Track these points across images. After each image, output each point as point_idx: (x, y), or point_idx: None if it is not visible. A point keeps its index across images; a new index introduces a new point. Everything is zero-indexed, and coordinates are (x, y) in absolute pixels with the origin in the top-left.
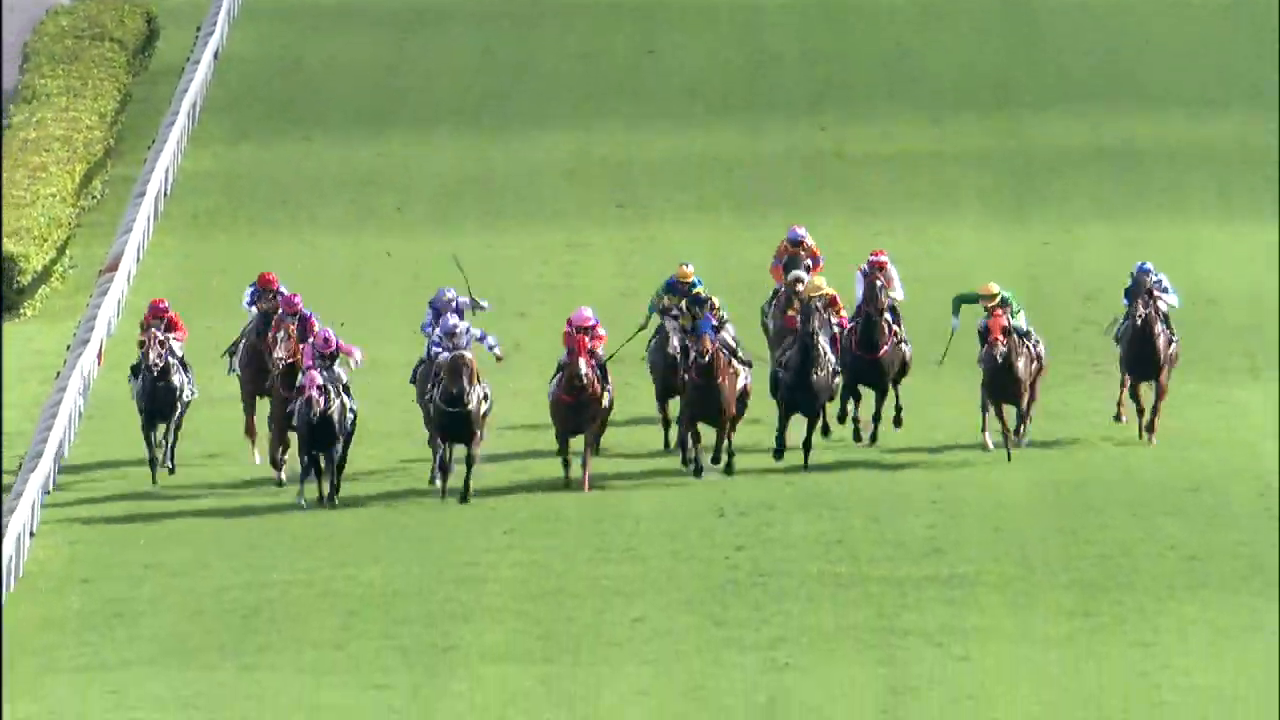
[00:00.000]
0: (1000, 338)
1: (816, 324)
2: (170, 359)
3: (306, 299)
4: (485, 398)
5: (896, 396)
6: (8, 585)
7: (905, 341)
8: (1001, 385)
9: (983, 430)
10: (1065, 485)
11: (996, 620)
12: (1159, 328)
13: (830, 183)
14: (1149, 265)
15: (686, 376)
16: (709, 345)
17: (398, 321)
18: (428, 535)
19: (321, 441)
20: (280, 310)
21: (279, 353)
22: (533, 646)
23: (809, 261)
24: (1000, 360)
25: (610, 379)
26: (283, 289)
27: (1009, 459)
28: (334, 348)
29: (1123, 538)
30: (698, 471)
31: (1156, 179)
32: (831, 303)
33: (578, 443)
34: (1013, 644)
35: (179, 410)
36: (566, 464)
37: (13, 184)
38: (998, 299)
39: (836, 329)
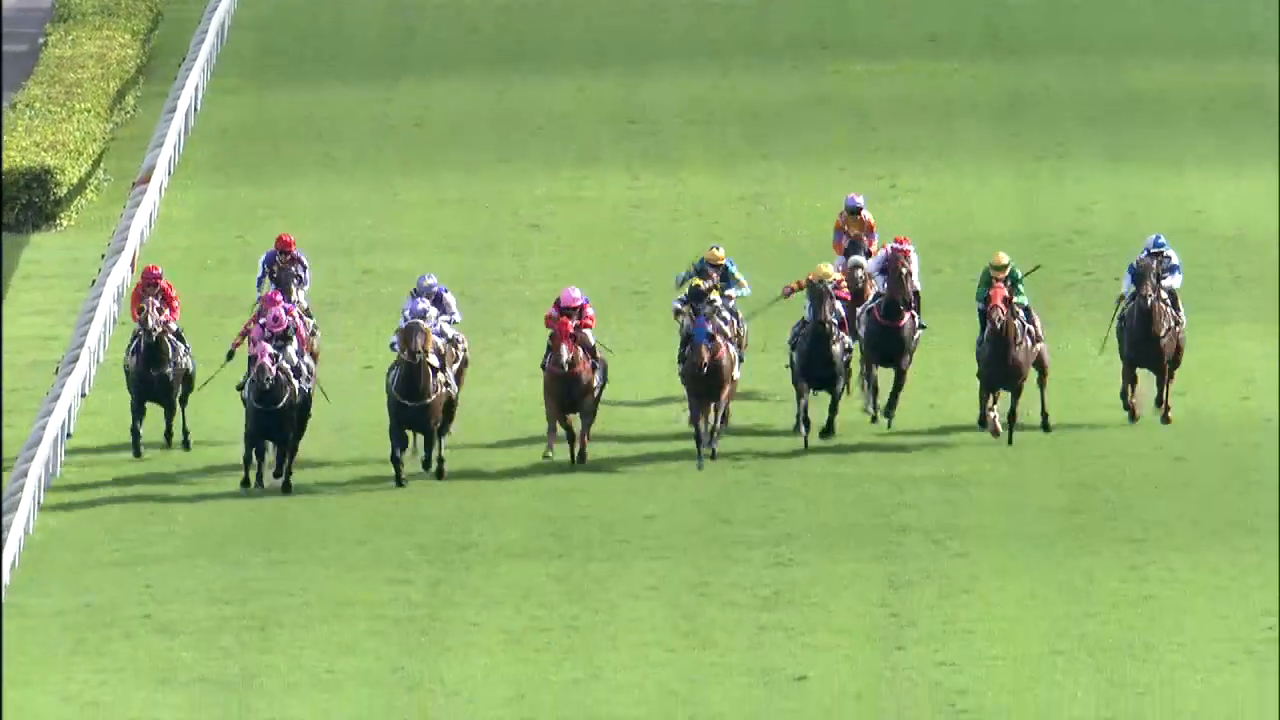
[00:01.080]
0: (1000, 305)
1: (827, 310)
2: (168, 335)
3: (327, 212)
4: (447, 384)
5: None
6: (40, 499)
7: (923, 325)
8: (999, 370)
9: (980, 422)
10: (1055, 385)
11: (991, 518)
12: (1163, 315)
13: (834, 103)
14: (1163, 239)
15: (683, 365)
16: (705, 356)
17: (418, 231)
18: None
19: (271, 427)
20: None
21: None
22: (547, 543)
23: (865, 240)
24: (998, 325)
25: (601, 356)
26: (284, 291)
27: (1010, 442)
28: (284, 326)
29: (1111, 439)
30: (700, 459)
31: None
32: (838, 286)
33: (575, 423)
34: (1006, 540)
35: (179, 390)
36: (552, 438)
37: (50, 100)
38: (1007, 270)
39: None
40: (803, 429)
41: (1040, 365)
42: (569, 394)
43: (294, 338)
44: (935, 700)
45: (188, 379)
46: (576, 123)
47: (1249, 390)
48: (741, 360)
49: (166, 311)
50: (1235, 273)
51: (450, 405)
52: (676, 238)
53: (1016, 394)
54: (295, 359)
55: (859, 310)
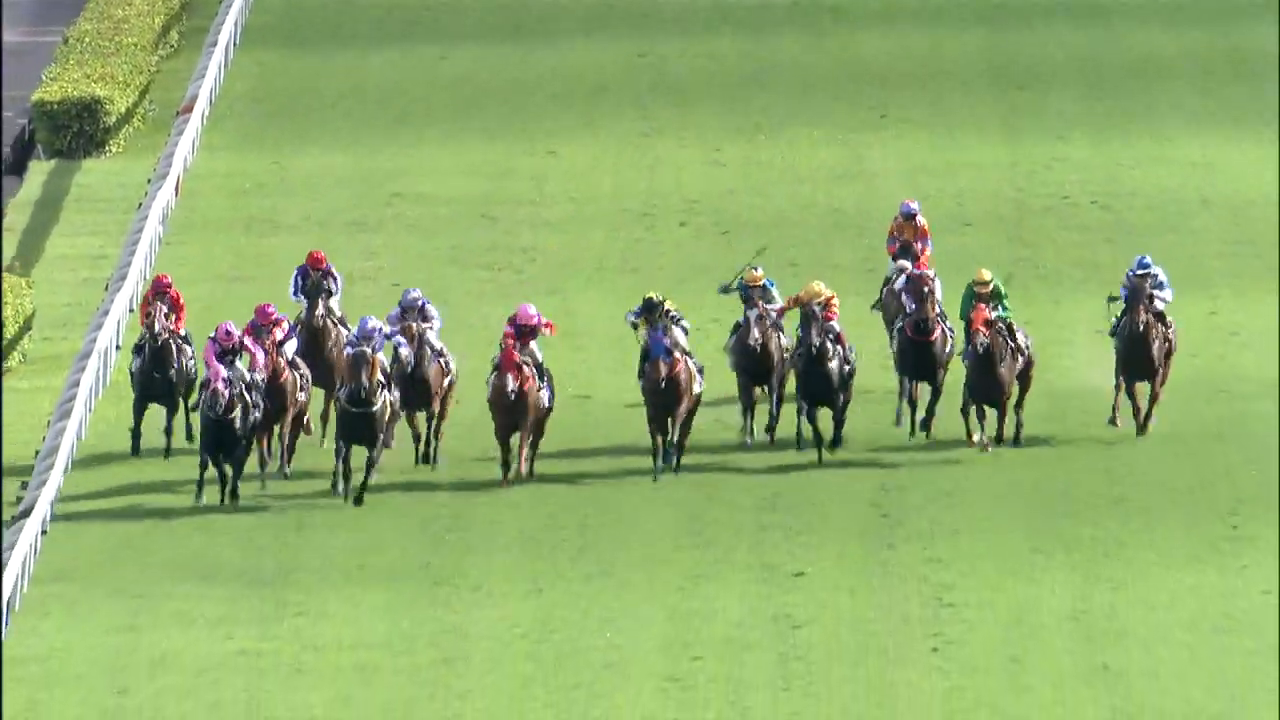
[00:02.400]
0: (983, 329)
1: (815, 334)
2: (173, 340)
3: (356, 141)
4: (390, 403)
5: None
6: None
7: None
8: (983, 384)
9: (969, 435)
10: (1036, 302)
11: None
12: (1155, 333)
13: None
14: (1148, 260)
15: (643, 380)
16: (663, 370)
17: (441, 158)
18: None
19: (224, 443)
20: (258, 322)
21: (258, 375)
22: (560, 464)
23: (918, 246)
24: (981, 351)
25: (550, 378)
26: (325, 283)
27: (1012, 441)
28: (234, 342)
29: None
30: (656, 473)
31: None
32: (828, 303)
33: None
34: (987, 472)
35: (182, 391)
36: (505, 464)
37: (99, 35)
38: (990, 286)
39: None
40: (803, 444)
41: (1025, 381)
42: (513, 416)
43: (244, 353)
44: (923, 594)
45: (190, 382)
46: (586, 59)
47: (1215, 305)
48: (701, 371)
49: (173, 318)
50: (1203, 194)
51: (394, 417)
52: (683, 163)
53: (1002, 411)
54: (247, 375)
55: (893, 328)
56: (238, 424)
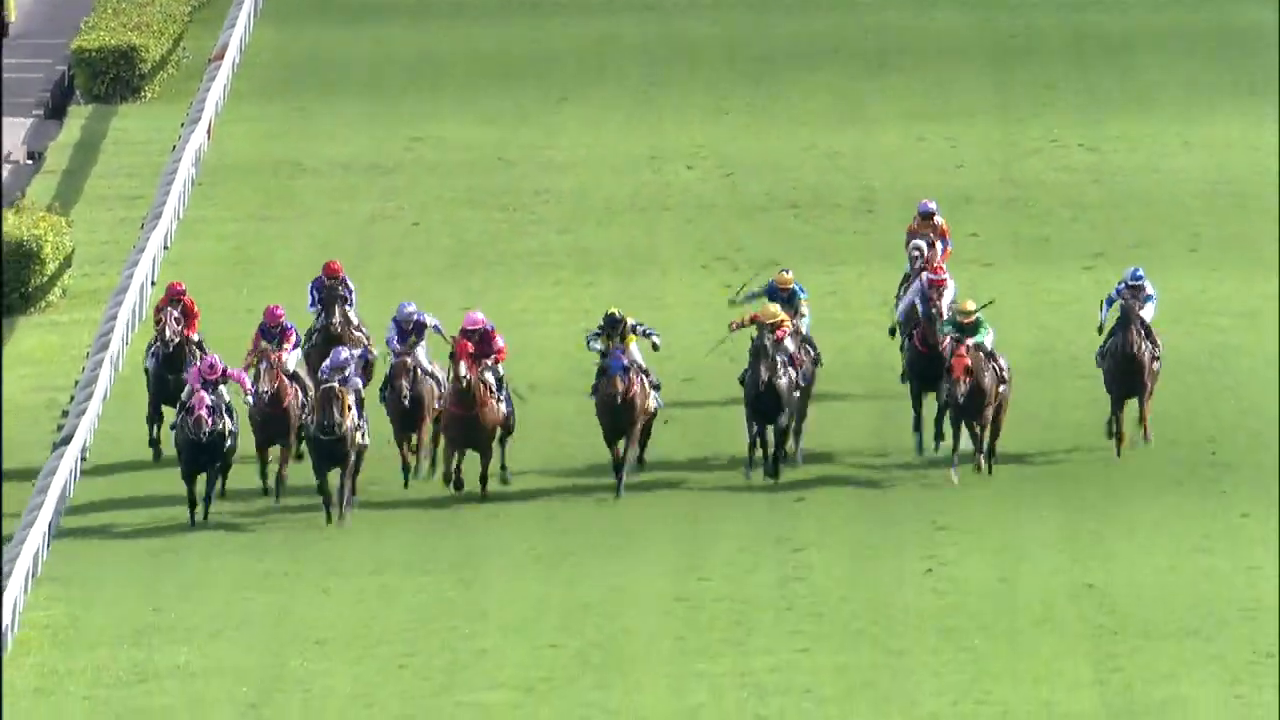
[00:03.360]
0: (964, 376)
1: (765, 371)
2: (187, 345)
3: (377, 88)
4: (359, 429)
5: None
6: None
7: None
8: (968, 409)
9: (953, 464)
10: (1024, 240)
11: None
12: (1144, 349)
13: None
14: (1140, 273)
15: (597, 397)
16: (619, 387)
17: (459, 104)
18: None
19: (203, 462)
20: (265, 326)
21: (264, 385)
22: (576, 381)
23: (939, 242)
24: (962, 400)
25: (506, 390)
26: (341, 290)
27: (988, 470)
28: (219, 374)
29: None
30: (619, 488)
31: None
32: (779, 326)
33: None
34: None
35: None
36: (459, 483)
37: None
38: (974, 317)
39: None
40: (748, 468)
41: (999, 411)
42: (470, 434)
43: (229, 380)
44: (918, 519)
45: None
46: (597, 18)
47: (1196, 242)
48: (657, 388)
49: (184, 322)
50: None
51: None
52: (688, 109)
53: (983, 428)
54: (227, 396)
55: (905, 340)
56: (218, 446)
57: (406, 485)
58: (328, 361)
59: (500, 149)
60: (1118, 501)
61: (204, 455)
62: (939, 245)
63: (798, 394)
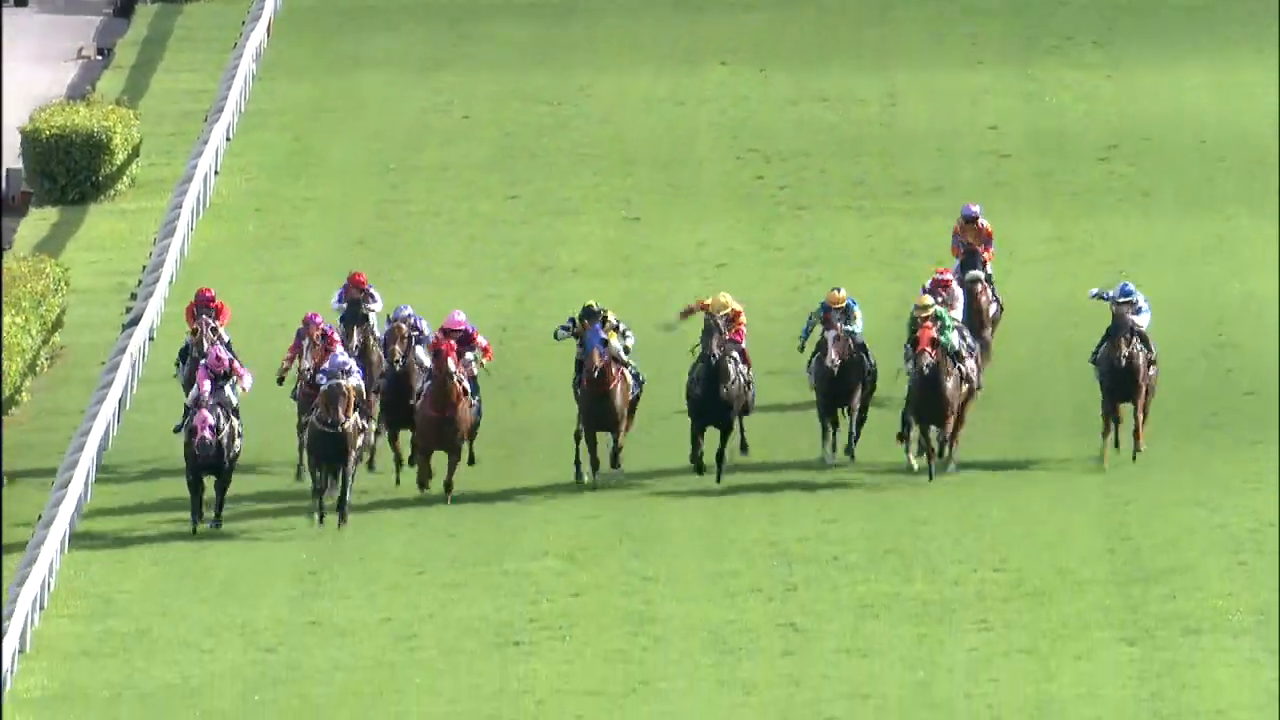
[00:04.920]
0: (928, 349)
1: (715, 345)
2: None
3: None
4: (361, 429)
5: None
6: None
7: (975, 358)
8: (927, 403)
9: (906, 451)
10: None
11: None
12: (1139, 359)
13: None
14: (1130, 287)
15: (579, 389)
16: (598, 360)
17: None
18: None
19: (209, 467)
20: (307, 327)
21: (305, 363)
22: (615, 265)
23: (981, 248)
24: (926, 372)
25: (479, 392)
26: (366, 299)
27: (930, 478)
28: (225, 366)
29: (1088, 175)
30: (592, 482)
31: None
32: (735, 318)
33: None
34: (1000, 259)
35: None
36: (424, 484)
37: None
38: (930, 311)
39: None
40: (698, 471)
41: (962, 410)
42: (444, 435)
43: (234, 375)
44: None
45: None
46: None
47: (1201, 133)
48: (639, 381)
49: (219, 329)
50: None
51: (362, 444)
52: (721, 7)
53: (943, 428)
54: (234, 399)
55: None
56: (224, 449)
57: (399, 482)
58: (327, 364)
59: (545, 45)
60: None
61: (207, 460)
62: (983, 248)
63: (750, 393)
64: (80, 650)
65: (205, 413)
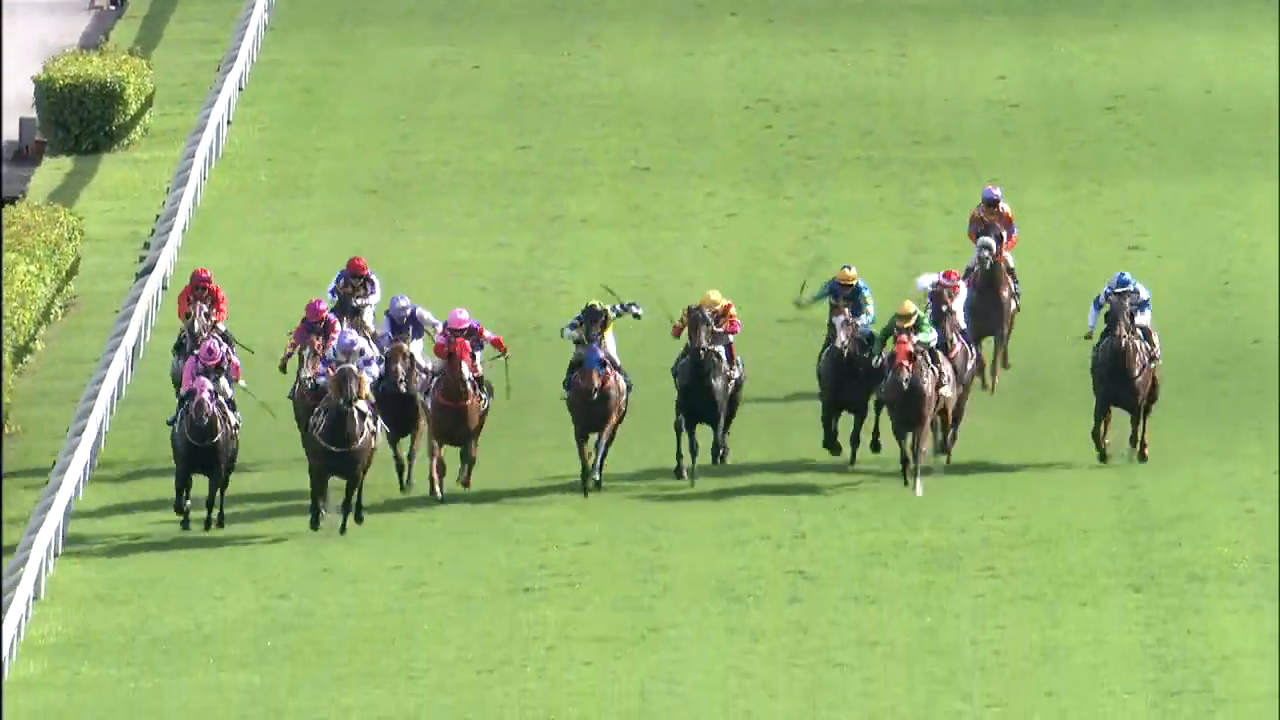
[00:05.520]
0: (906, 363)
1: (704, 339)
2: (214, 338)
3: None
4: (374, 433)
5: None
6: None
7: (978, 359)
8: (906, 411)
9: (903, 465)
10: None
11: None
12: (1137, 353)
13: None
14: (1127, 276)
15: (569, 392)
16: (596, 381)
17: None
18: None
19: (204, 462)
20: (307, 320)
21: (305, 372)
22: (624, 215)
23: (1003, 231)
24: (906, 387)
25: (490, 388)
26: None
27: (905, 483)
28: (217, 359)
29: (1095, 125)
30: (585, 488)
31: None
32: (724, 313)
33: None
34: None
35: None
36: (436, 481)
37: None
38: (912, 320)
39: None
40: (685, 472)
41: (944, 412)
42: (455, 427)
43: (227, 369)
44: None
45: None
46: None
47: (1208, 85)
48: (629, 387)
49: (214, 315)
50: None
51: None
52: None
53: (919, 436)
54: (229, 391)
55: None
56: (220, 443)
57: (403, 488)
58: (335, 343)
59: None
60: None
61: (204, 453)
62: (1005, 235)
63: (733, 384)
64: (94, 596)
65: (205, 379)
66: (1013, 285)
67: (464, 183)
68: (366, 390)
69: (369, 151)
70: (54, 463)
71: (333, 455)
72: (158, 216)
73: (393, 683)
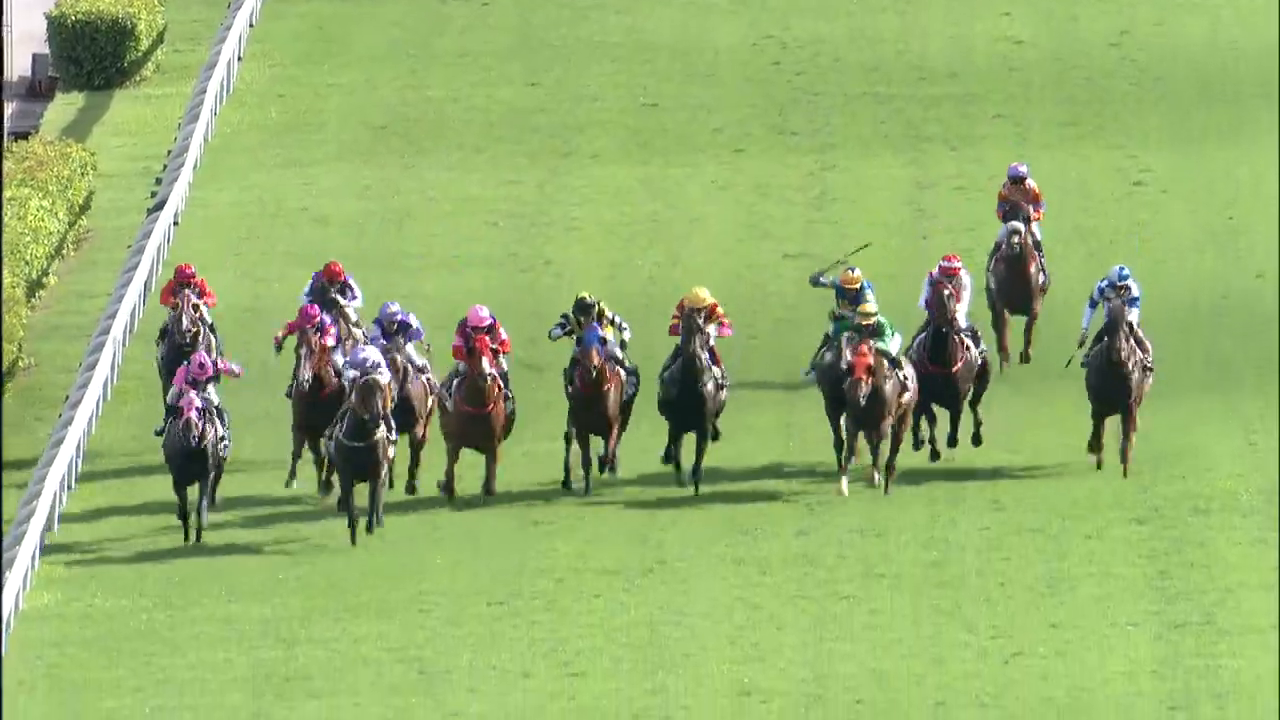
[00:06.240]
0: (864, 377)
1: (698, 344)
2: (202, 329)
3: None
4: (391, 440)
5: (975, 414)
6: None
7: (983, 352)
8: (867, 415)
9: (839, 472)
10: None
11: (998, 129)
12: (1136, 368)
13: None
14: (1126, 271)
15: (571, 388)
16: (595, 358)
17: None
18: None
19: (194, 471)
20: (302, 322)
21: (304, 373)
22: (633, 152)
23: (1030, 209)
24: (864, 402)
25: (510, 388)
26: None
27: (884, 487)
28: (209, 373)
29: (1100, 61)
30: (583, 486)
31: None
32: (712, 312)
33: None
34: (1012, 142)
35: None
36: (450, 488)
37: None
38: (872, 321)
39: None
40: (675, 471)
41: (900, 422)
42: (480, 432)
43: (219, 374)
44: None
45: (218, 372)
46: None
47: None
48: (635, 377)
49: (201, 307)
50: None
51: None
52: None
53: (880, 439)
54: (215, 398)
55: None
56: (209, 452)
57: (390, 485)
58: (349, 359)
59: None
60: (1149, 263)
61: (194, 464)
62: (1032, 209)
63: (724, 394)
64: (108, 528)
65: (192, 395)
66: (1040, 260)
67: (474, 119)
68: (391, 402)
69: (380, 88)
70: (66, 397)
71: (352, 450)
72: (169, 152)
73: (404, 615)
